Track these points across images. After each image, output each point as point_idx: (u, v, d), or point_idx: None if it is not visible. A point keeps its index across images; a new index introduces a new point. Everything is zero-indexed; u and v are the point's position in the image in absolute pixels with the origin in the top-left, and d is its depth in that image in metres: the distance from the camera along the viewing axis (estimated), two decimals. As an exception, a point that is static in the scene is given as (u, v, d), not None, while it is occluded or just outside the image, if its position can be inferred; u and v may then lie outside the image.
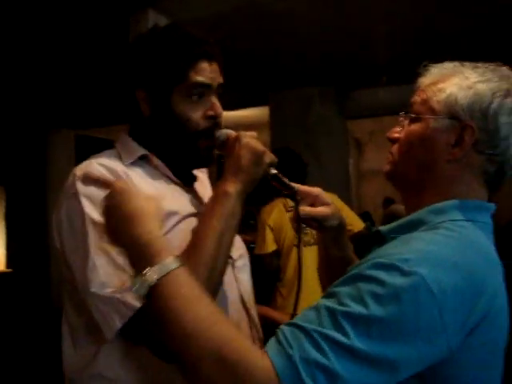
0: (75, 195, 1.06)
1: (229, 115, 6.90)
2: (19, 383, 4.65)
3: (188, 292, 0.83)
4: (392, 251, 0.86)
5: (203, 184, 1.28)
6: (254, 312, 1.20)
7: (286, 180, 1.14)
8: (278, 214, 2.97)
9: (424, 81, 1.03)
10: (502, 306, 0.90)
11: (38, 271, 7.67)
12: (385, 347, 0.77)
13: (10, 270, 10.27)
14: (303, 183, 3.23)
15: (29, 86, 5.83)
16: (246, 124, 8.22)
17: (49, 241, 7.80)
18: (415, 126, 1.01)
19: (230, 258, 1.17)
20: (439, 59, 1.05)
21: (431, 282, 0.79)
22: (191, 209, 1.17)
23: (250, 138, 1.11)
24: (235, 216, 1.06)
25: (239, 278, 1.22)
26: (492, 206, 1.00)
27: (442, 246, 0.86)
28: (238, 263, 1.24)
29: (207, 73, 1.15)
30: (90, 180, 1.07)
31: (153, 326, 0.88)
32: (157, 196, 1.00)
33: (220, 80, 1.19)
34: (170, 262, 0.84)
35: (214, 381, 0.77)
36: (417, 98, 1.02)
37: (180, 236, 1.06)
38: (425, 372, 0.82)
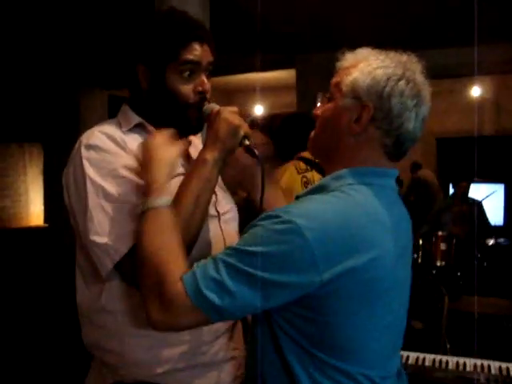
0: (80, 159, 1.23)
1: (257, 77, 6.99)
2: (55, 337, 4.92)
3: (159, 225, 1.11)
4: (285, 206, 1.09)
5: (197, 148, 1.41)
6: None
7: (255, 150, 1.27)
8: (289, 176, 3.08)
9: (341, 65, 1.18)
10: (379, 258, 1.05)
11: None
12: (265, 273, 0.99)
13: (46, 225, 10.70)
14: None
15: (65, 46, 5.98)
16: (273, 85, 8.30)
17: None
18: (329, 105, 1.17)
19: (217, 212, 1.37)
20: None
21: (304, 230, 0.99)
22: (180, 170, 1.32)
23: (228, 113, 1.25)
24: (211, 180, 1.23)
25: (224, 229, 1.38)
26: (393, 171, 1.18)
27: (324, 204, 1.06)
28: (225, 217, 1.41)
29: (197, 52, 1.29)
30: (91, 146, 1.24)
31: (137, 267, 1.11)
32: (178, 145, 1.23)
33: (210, 59, 1.32)
34: (156, 201, 1.13)
35: (148, 293, 1.06)
36: (333, 80, 1.17)
37: (170, 192, 1.21)
38: (310, 302, 1.03)
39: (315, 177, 3.15)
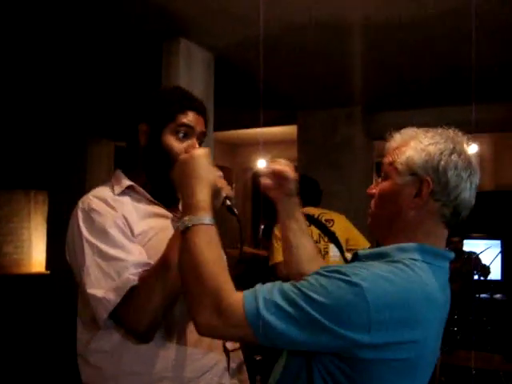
0: (77, 222, 1.41)
1: (260, 132, 7.18)
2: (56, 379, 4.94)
3: (209, 241, 1.19)
4: (353, 267, 1.15)
5: None
6: None
7: (235, 210, 1.43)
8: None
9: (390, 146, 1.30)
10: (428, 337, 1.13)
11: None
12: (321, 317, 1.07)
13: (48, 272, 10.72)
14: (318, 205, 3.50)
15: (73, 98, 6.19)
16: (275, 140, 8.50)
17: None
18: (385, 183, 1.28)
19: None
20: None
21: (367, 293, 1.06)
22: (168, 224, 1.50)
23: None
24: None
25: None
26: (451, 254, 1.26)
27: (390, 272, 1.12)
28: None
29: (193, 119, 1.51)
30: (85, 210, 1.42)
31: (129, 314, 1.28)
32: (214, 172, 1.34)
33: (202, 129, 1.54)
34: (205, 219, 1.21)
35: (199, 301, 1.12)
36: (386, 160, 1.29)
37: (155, 246, 1.41)
38: (355, 362, 1.10)
39: (314, 232, 3.32)
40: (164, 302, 1.31)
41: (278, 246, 3.22)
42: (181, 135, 1.49)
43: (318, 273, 1.14)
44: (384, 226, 1.29)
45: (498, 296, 5.16)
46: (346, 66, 4.95)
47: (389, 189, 1.26)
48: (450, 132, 1.27)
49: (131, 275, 1.32)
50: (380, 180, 1.31)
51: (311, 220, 3.35)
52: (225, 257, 1.25)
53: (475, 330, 4.47)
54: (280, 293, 1.11)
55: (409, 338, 1.09)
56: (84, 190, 7.42)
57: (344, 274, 1.10)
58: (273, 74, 5.03)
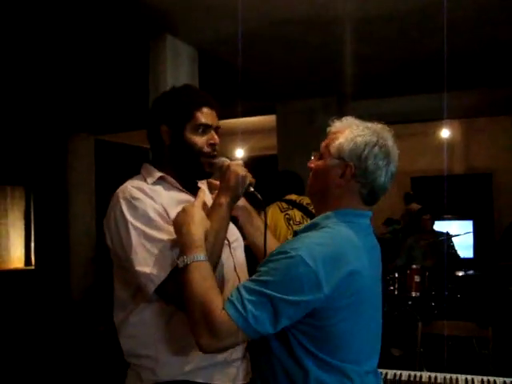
0: (120, 209, 1.56)
1: (240, 121, 7.36)
2: (41, 378, 5.05)
3: (203, 275, 1.39)
4: (290, 242, 1.42)
5: (206, 193, 1.77)
6: (242, 275, 1.71)
7: (258, 195, 1.66)
8: (273, 214, 3.50)
9: (330, 130, 1.55)
10: (362, 269, 1.39)
11: (58, 268, 8.15)
12: (281, 295, 1.29)
13: (27, 267, 10.74)
14: (302, 193, 3.72)
15: (52, 92, 6.25)
16: (253, 129, 8.69)
17: (70, 240, 8.30)
18: (319, 162, 1.53)
19: (228, 241, 1.69)
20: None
21: (306, 258, 1.30)
22: None
23: (236, 166, 1.62)
24: (226, 219, 1.58)
25: (234, 254, 1.74)
26: (368, 213, 1.52)
27: (318, 237, 1.40)
28: (234, 244, 1.76)
29: (208, 115, 1.67)
30: (127, 198, 1.58)
31: (173, 288, 1.45)
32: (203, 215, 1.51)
33: (217, 124, 1.71)
34: (199, 256, 1.41)
35: (198, 326, 1.34)
36: (324, 142, 1.54)
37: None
38: (317, 313, 1.34)
39: (296, 214, 3.58)
40: None
41: None
42: (200, 130, 1.65)
43: (266, 260, 1.39)
44: (315, 196, 1.57)
45: (470, 272, 5.48)
46: (322, 58, 5.17)
47: (321, 167, 1.51)
48: (378, 126, 1.50)
49: (174, 253, 1.49)
50: (317, 157, 1.54)
51: (293, 204, 3.59)
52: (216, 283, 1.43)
53: (449, 303, 4.76)
54: (245, 289, 1.32)
55: (345, 272, 1.34)
56: (65, 184, 7.41)
57: (284, 252, 1.34)
58: (253, 66, 5.23)
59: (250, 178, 1.62)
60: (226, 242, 1.66)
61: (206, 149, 1.66)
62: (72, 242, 8.27)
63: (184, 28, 4.21)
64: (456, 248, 5.77)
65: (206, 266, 1.41)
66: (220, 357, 1.60)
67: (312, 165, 1.56)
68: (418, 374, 2.60)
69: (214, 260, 1.53)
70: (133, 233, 1.53)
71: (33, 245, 10.96)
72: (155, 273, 1.49)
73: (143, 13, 3.91)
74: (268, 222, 3.44)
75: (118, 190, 1.62)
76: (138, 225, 1.53)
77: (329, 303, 1.34)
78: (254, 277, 1.37)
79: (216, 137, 1.69)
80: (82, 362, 5.32)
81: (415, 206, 8.25)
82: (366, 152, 1.45)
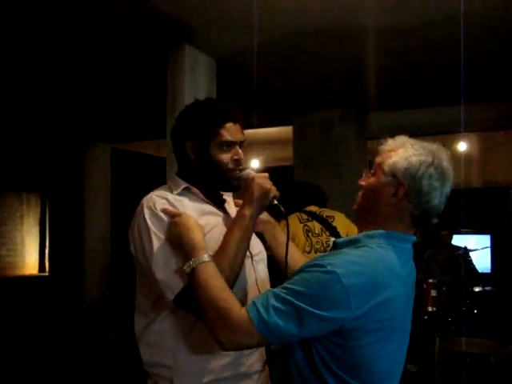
0: (143, 218, 1.58)
1: (256, 132, 7.35)
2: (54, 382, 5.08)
3: (211, 274, 1.42)
4: (328, 257, 1.39)
5: (230, 205, 1.82)
6: (263, 289, 1.68)
7: (282, 208, 1.66)
8: (292, 225, 3.44)
9: (383, 148, 1.52)
10: (396, 298, 1.36)
11: (72, 275, 8.18)
12: (310, 308, 1.28)
13: (41, 273, 10.79)
14: (323, 205, 3.65)
15: (70, 101, 6.29)
16: (268, 140, 8.67)
17: (84, 247, 8.32)
18: (372, 179, 1.50)
19: (250, 253, 1.69)
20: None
21: (342, 277, 1.29)
22: (220, 221, 1.70)
23: (261, 178, 1.62)
24: (249, 230, 1.59)
25: (256, 268, 1.73)
26: (412, 238, 1.49)
27: (358, 256, 1.37)
28: (256, 257, 1.76)
29: (233, 131, 1.68)
30: (150, 208, 1.60)
31: (192, 297, 1.43)
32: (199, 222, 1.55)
33: (241, 138, 1.71)
34: (203, 257, 1.44)
35: (214, 324, 1.35)
36: (377, 160, 1.51)
37: (213, 238, 1.60)
38: (344, 332, 1.32)
39: (316, 226, 3.52)
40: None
41: None
42: (225, 147, 1.66)
43: (300, 270, 1.38)
44: (364, 213, 1.52)
45: (488, 288, 5.39)
46: (340, 69, 5.15)
47: (373, 185, 1.48)
48: (434, 146, 1.47)
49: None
50: (368, 175, 1.52)
51: (313, 215, 3.54)
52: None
53: (466, 319, 4.69)
54: (273, 296, 1.32)
55: (380, 299, 1.32)
56: (81, 191, 7.48)
57: (320, 266, 1.33)
58: (270, 77, 5.22)
59: (274, 191, 1.63)
60: (248, 254, 1.67)
61: (231, 165, 1.68)
62: (86, 249, 8.28)
63: (202, 38, 4.20)
64: (474, 263, 5.69)
65: (212, 266, 1.44)
66: (241, 369, 1.59)
67: (363, 182, 1.53)
68: (437, 391, 2.55)
69: (235, 271, 1.54)
70: (155, 241, 1.55)
71: (47, 251, 11.01)
72: (174, 281, 1.50)
73: (162, 23, 3.92)
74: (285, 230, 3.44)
75: (144, 199, 1.65)
76: (160, 234, 1.55)
77: (357, 325, 1.32)
78: (285, 284, 1.36)
79: (240, 152, 1.70)
80: (92, 368, 5.33)
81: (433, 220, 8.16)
82: (420, 172, 1.42)
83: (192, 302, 1.45)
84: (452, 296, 4.92)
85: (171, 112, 4.30)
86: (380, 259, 1.38)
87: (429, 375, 3.59)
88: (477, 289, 5.31)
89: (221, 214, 1.73)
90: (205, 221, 1.63)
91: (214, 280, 1.40)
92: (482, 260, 6.15)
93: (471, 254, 5.73)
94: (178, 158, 1.75)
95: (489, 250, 6.57)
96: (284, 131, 7.45)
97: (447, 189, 1.45)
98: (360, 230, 1.51)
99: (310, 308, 1.28)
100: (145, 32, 4.10)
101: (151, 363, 1.63)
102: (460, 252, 5.55)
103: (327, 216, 3.55)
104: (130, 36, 4.19)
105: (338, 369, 1.36)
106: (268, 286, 1.76)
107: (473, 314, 4.94)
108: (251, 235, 1.62)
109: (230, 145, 1.67)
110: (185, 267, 1.44)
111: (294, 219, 3.50)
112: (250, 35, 4.05)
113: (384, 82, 5.54)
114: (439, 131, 7.01)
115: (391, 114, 6.45)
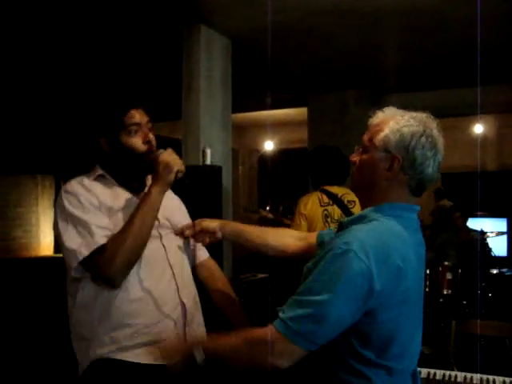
0: (61, 200, 1.75)
1: (270, 113, 7.31)
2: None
3: (221, 343, 1.49)
4: (340, 238, 1.39)
5: (167, 196, 1.85)
6: (176, 267, 1.83)
7: (187, 181, 1.78)
8: (312, 206, 3.36)
9: (372, 122, 1.51)
10: (407, 266, 1.36)
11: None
12: (335, 294, 1.30)
13: (58, 255, 10.89)
14: (342, 184, 3.48)
15: (83, 83, 6.27)
16: (283, 122, 8.64)
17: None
18: (365, 156, 1.49)
19: (159, 234, 1.81)
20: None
21: (359, 252, 1.29)
22: (132, 204, 1.79)
23: (166, 155, 1.74)
24: (154, 206, 1.73)
25: (167, 246, 1.83)
26: (416, 207, 1.50)
27: (368, 230, 1.38)
28: (168, 236, 1.86)
29: (135, 115, 1.79)
30: (67, 191, 1.76)
31: (99, 265, 1.64)
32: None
33: (146, 118, 1.82)
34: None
35: (253, 355, 1.40)
36: (366, 136, 1.50)
37: (123, 219, 1.74)
38: (369, 312, 1.32)
39: (336, 211, 3.39)
40: (127, 256, 1.65)
41: (299, 222, 3.33)
42: (133, 132, 1.77)
43: (316, 260, 1.39)
44: (361, 191, 1.55)
45: (504, 270, 5.36)
46: (357, 50, 5.09)
47: (367, 161, 1.47)
48: (423, 116, 1.47)
49: (100, 235, 1.66)
50: (360, 150, 1.51)
51: (335, 199, 3.42)
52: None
53: (483, 302, 4.67)
54: (294, 303, 1.33)
55: (394, 266, 1.33)
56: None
57: (336, 248, 1.34)
58: (286, 57, 5.18)
59: (179, 165, 1.73)
60: (157, 234, 1.80)
61: (143, 148, 1.78)
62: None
63: (218, 18, 4.17)
64: (490, 246, 5.65)
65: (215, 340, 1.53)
66: (147, 337, 1.69)
67: (355, 159, 1.52)
68: (453, 373, 2.55)
69: (139, 243, 1.68)
70: (68, 218, 1.70)
71: (62, 233, 11.07)
72: (79, 250, 1.65)
73: (177, 3, 3.89)
74: (306, 213, 3.34)
75: (64, 184, 1.80)
76: (72, 210, 1.71)
77: (378, 301, 1.31)
78: (306, 283, 1.36)
79: (150, 134, 1.81)
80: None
81: (446, 203, 8.11)
82: (413, 143, 1.41)
83: (98, 269, 1.64)
84: (468, 279, 4.90)
85: (187, 93, 4.28)
86: (389, 229, 1.39)
87: (443, 358, 3.59)
88: (493, 271, 5.27)
89: (134, 198, 1.83)
90: (113, 203, 1.78)
91: (222, 343, 1.47)
92: (498, 244, 6.10)
93: (488, 236, 5.70)
94: (95, 153, 1.86)
95: (505, 233, 6.52)
96: (299, 112, 7.41)
97: (439, 157, 1.45)
98: (363, 208, 1.51)
99: (331, 296, 1.28)
100: (160, 12, 4.08)
101: (74, 336, 1.79)
102: (477, 235, 5.51)
103: (348, 201, 3.40)
104: (145, 17, 4.17)
105: (360, 347, 1.36)
106: (184, 264, 1.89)
107: (488, 296, 4.91)
108: (157, 209, 1.74)
109: (136, 130, 1.77)
110: (197, 355, 1.51)
111: (314, 199, 3.40)
112: (265, 15, 4.02)
113: (400, 64, 5.48)
114: (455, 113, 6.95)
115: (406, 96, 6.38)
